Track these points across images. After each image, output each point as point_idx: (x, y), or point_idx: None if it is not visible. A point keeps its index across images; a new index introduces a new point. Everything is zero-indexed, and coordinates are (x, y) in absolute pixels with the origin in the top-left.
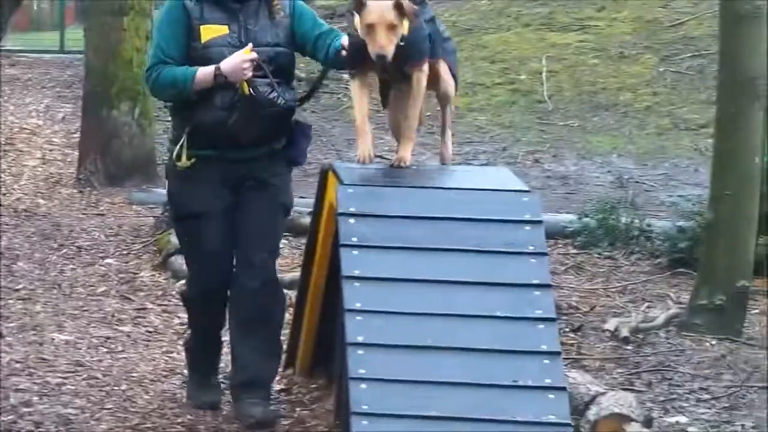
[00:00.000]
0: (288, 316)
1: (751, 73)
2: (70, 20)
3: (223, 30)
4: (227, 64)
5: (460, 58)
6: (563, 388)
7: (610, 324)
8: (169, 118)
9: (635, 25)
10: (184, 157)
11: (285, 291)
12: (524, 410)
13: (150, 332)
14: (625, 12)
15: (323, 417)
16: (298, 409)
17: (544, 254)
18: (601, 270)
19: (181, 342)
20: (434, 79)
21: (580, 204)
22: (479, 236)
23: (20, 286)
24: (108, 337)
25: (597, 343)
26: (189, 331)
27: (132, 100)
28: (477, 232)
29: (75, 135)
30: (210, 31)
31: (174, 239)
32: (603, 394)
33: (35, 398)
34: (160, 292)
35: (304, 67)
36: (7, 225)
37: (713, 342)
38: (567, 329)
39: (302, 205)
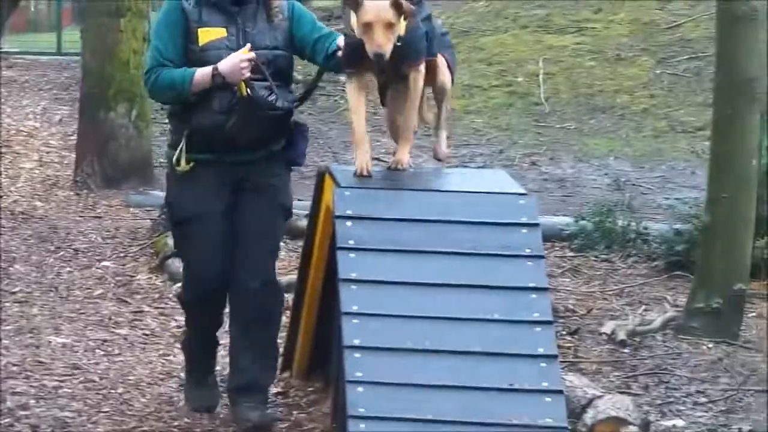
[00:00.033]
0: (285, 319)
1: (748, 75)
2: (67, 21)
3: (221, 33)
4: (225, 65)
5: (457, 60)
6: (560, 392)
7: (607, 327)
8: (166, 121)
9: (632, 27)
10: (183, 162)
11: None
12: (521, 413)
13: (147, 335)
14: (621, 14)
15: (320, 420)
16: (295, 412)
17: (541, 257)
18: (598, 273)
19: (177, 345)
20: (431, 73)
21: (577, 207)
22: (476, 239)
23: (17, 289)
24: (105, 340)
25: (594, 346)
26: (186, 331)
27: (129, 101)
28: (474, 235)
29: (72, 137)
30: (208, 34)
31: (171, 242)
32: (600, 397)
33: (32, 401)
34: (157, 295)
35: (302, 69)
36: (4, 228)
37: (710, 345)
38: (564, 332)
39: (299, 208)
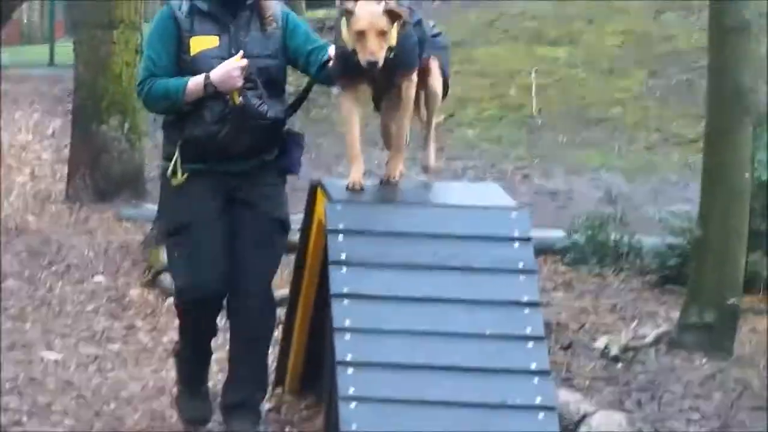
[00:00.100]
0: (277, 334)
1: (740, 87)
2: (60, 33)
3: (213, 42)
4: (217, 73)
5: (449, 73)
6: (553, 408)
7: (600, 342)
8: (159, 133)
9: (624, 38)
10: (179, 174)
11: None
12: (514, 430)
13: (139, 350)
14: (614, 26)
15: None
16: (287, 428)
17: (534, 271)
18: (591, 287)
19: (170, 360)
20: (423, 77)
21: (570, 220)
22: (468, 253)
23: (10, 304)
24: (97, 356)
25: (587, 361)
26: (179, 342)
27: (121, 114)
28: (466, 250)
29: (65, 150)
30: (200, 43)
31: (162, 256)
32: (593, 413)
33: (24, 418)
34: (149, 310)
35: (294, 81)
36: None
37: (703, 360)
38: (557, 347)
39: (291, 222)
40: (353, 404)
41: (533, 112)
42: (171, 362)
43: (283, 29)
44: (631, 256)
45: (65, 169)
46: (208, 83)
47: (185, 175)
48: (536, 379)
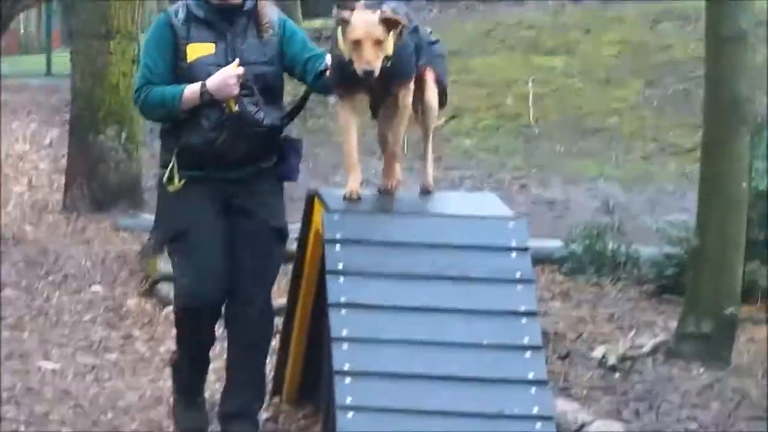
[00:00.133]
0: (274, 343)
1: (737, 96)
2: (57, 44)
3: (209, 49)
4: (213, 81)
5: (447, 82)
6: (550, 417)
7: (598, 351)
8: (156, 143)
9: (621, 48)
10: (176, 180)
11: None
12: None
13: (136, 360)
14: (610, 35)
15: None
16: None
17: (531, 281)
18: (588, 297)
19: (167, 370)
20: (418, 88)
21: (567, 229)
22: (465, 263)
23: (7, 314)
24: (94, 365)
25: (584, 370)
26: (177, 353)
27: (119, 124)
28: (463, 259)
29: (62, 160)
30: (196, 50)
31: (160, 266)
32: (590, 422)
33: (22, 428)
34: (146, 320)
35: (291, 91)
36: None
37: (701, 370)
38: (554, 357)
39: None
40: (351, 414)
41: (530, 122)
42: (168, 372)
43: (280, 36)
44: (629, 265)
45: (62, 179)
46: (204, 91)
47: (182, 182)
48: (534, 389)
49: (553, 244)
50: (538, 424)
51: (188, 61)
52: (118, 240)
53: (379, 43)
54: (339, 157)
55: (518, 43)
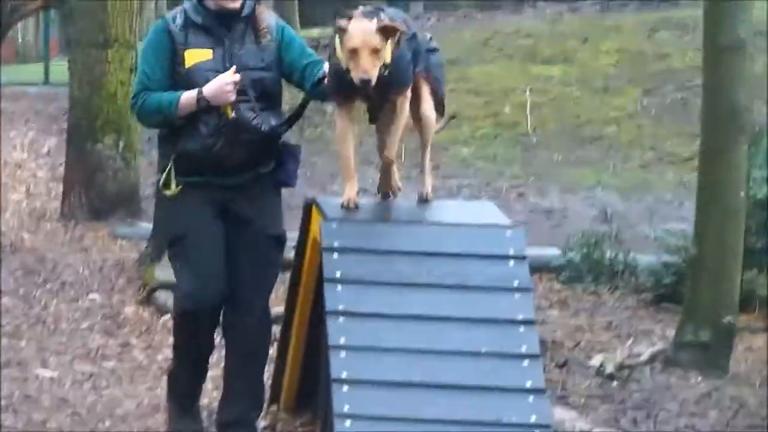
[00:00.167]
0: (272, 351)
1: (735, 105)
2: (55, 52)
3: (207, 55)
4: (209, 88)
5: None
6: (548, 426)
7: (596, 360)
8: (153, 152)
9: (619, 57)
10: (173, 185)
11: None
12: None
13: (134, 368)
14: (608, 44)
15: None
16: None
17: (529, 290)
18: (586, 305)
19: (165, 378)
20: (415, 96)
21: (565, 238)
22: (463, 271)
23: (5, 322)
24: (92, 373)
25: (582, 379)
26: (174, 362)
27: (116, 133)
28: (461, 268)
29: (60, 168)
30: (194, 56)
31: (157, 274)
32: (588, 431)
33: None
34: (144, 328)
35: (289, 100)
36: None
37: (699, 379)
38: (552, 365)
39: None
40: (348, 422)
41: (528, 131)
42: (165, 380)
43: (278, 41)
44: (627, 274)
45: (60, 188)
46: (200, 98)
47: (179, 187)
48: (531, 398)
49: (551, 252)
50: None
51: (186, 66)
52: (116, 248)
53: (376, 51)
54: (336, 166)
55: (516, 51)
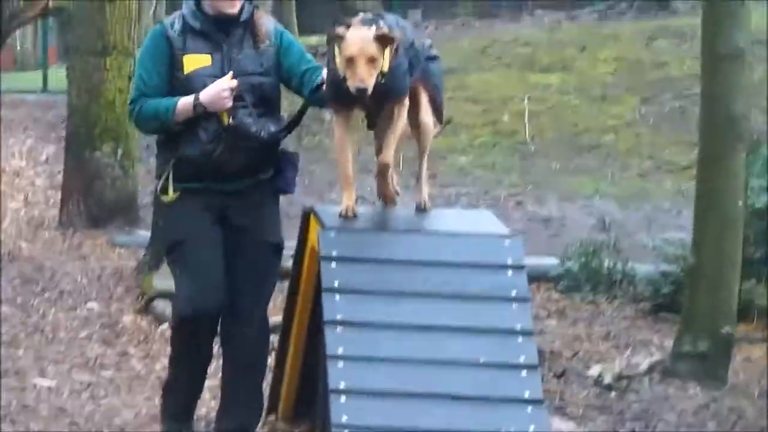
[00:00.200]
0: (270, 360)
1: (733, 114)
2: (54, 60)
3: (205, 60)
4: (206, 94)
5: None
6: None
7: (594, 370)
8: (152, 160)
9: (617, 65)
10: (170, 191)
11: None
12: None
13: (132, 377)
14: (606, 53)
15: None
16: None
17: (527, 299)
18: (584, 315)
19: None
20: (413, 106)
21: (563, 247)
22: (461, 281)
23: (3, 331)
24: (90, 383)
25: (580, 389)
26: (171, 372)
27: (115, 141)
28: (459, 277)
29: (58, 176)
30: (193, 62)
31: (156, 282)
32: None
33: None
34: (142, 337)
35: (287, 107)
36: None
37: (697, 389)
38: (550, 375)
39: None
40: None
41: (526, 139)
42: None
43: (276, 46)
44: (625, 283)
45: (59, 196)
46: (197, 104)
47: (177, 193)
48: (530, 408)
49: (549, 261)
50: None
51: (185, 72)
52: (114, 256)
53: (373, 60)
54: (334, 175)
55: (514, 60)
